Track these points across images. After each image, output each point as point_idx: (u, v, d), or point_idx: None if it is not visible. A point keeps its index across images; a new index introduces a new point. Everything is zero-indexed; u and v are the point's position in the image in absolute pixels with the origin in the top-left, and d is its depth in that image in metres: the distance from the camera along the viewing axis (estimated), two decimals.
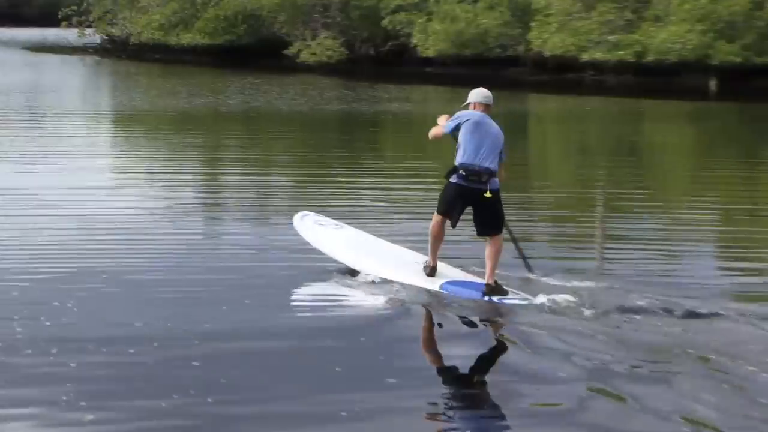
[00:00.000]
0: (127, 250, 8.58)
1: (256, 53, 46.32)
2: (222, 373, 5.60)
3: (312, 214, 8.75)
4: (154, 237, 9.21)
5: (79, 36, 58.30)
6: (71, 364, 5.68)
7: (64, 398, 5.17)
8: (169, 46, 49.49)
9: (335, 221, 8.68)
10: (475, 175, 7.20)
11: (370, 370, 5.70)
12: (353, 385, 5.51)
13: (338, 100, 27.76)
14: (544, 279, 7.69)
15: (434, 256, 7.59)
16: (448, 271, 7.70)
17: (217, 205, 11.79)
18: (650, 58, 33.25)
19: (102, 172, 13.79)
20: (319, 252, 8.16)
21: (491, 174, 7.24)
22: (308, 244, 8.29)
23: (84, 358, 5.79)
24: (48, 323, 6.45)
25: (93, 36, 57.87)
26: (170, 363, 5.77)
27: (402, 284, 7.52)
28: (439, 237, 7.55)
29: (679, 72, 33.54)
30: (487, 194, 7.20)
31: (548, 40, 35.87)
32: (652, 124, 24.65)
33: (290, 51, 45.57)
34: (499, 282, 7.32)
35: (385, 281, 7.58)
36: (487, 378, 5.95)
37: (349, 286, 7.56)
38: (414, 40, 41.72)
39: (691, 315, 6.74)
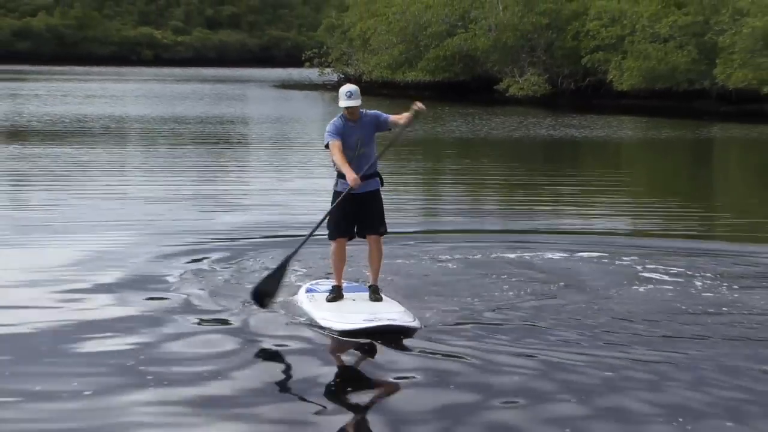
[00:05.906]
0: None
1: (470, 88, 48.38)
2: None
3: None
4: None
5: (320, 74, 62.52)
6: None
7: None
8: (395, 82, 51.89)
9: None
10: None
11: None
12: None
13: (546, 128, 29.17)
14: None
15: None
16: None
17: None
18: None
19: None
20: None
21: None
22: None
23: None
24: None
25: (331, 74, 61.52)
26: None
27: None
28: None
29: None
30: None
31: (732, 75, 38.11)
32: None
33: (500, 86, 47.54)
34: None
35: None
36: None
37: None
38: (610, 76, 43.40)
39: None
